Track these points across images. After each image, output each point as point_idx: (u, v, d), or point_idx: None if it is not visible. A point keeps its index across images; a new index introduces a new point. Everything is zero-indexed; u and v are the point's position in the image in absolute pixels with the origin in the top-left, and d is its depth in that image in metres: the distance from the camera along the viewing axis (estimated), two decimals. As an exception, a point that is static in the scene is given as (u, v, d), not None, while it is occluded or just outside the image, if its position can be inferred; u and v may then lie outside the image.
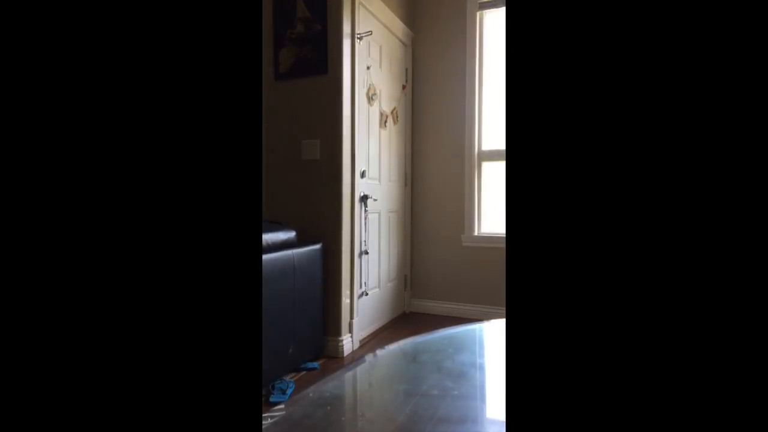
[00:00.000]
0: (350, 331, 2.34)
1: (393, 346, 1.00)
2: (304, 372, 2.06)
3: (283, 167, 2.38)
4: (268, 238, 1.92)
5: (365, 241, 2.50)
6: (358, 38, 2.34)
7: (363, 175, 2.47)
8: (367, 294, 2.54)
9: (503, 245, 2.93)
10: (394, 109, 2.91)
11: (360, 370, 0.93)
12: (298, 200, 2.34)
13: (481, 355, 0.99)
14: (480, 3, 2.98)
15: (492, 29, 3.03)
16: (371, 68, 2.56)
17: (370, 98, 2.55)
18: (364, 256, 2.50)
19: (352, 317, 2.35)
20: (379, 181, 2.71)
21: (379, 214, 2.72)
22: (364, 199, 2.47)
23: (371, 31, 2.51)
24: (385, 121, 2.77)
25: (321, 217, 2.29)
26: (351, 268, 2.34)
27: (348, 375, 0.88)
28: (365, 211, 2.49)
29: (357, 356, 2.29)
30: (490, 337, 1.09)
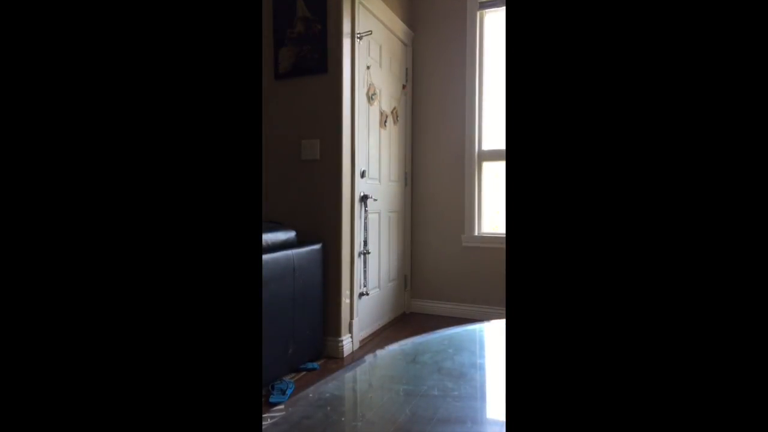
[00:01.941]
0: (350, 331, 2.34)
1: (393, 347, 1.00)
2: (303, 372, 2.06)
3: (283, 167, 2.37)
4: (268, 238, 1.92)
5: (365, 241, 2.50)
6: (358, 38, 2.34)
7: (363, 175, 2.47)
8: (367, 294, 2.54)
9: (503, 245, 2.93)
10: (394, 108, 2.91)
11: (360, 370, 0.93)
12: (298, 200, 2.34)
13: (481, 356, 0.99)
14: (480, 3, 2.98)
15: (492, 29, 3.03)
16: (371, 68, 2.56)
17: (370, 98, 2.55)
18: (364, 256, 2.50)
19: (352, 317, 2.35)
20: (379, 181, 2.71)
21: (379, 214, 2.72)
22: (364, 199, 2.46)
23: (371, 31, 2.51)
24: (385, 121, 2.76)
25: (321, 217, 2.29)
26: (351, 269, 2.34)
27: (348, 375, 0.87)
28: (365, 211, 2.49)
29: (357, 357, 2.29)
30: (490, 338, 1.09)
